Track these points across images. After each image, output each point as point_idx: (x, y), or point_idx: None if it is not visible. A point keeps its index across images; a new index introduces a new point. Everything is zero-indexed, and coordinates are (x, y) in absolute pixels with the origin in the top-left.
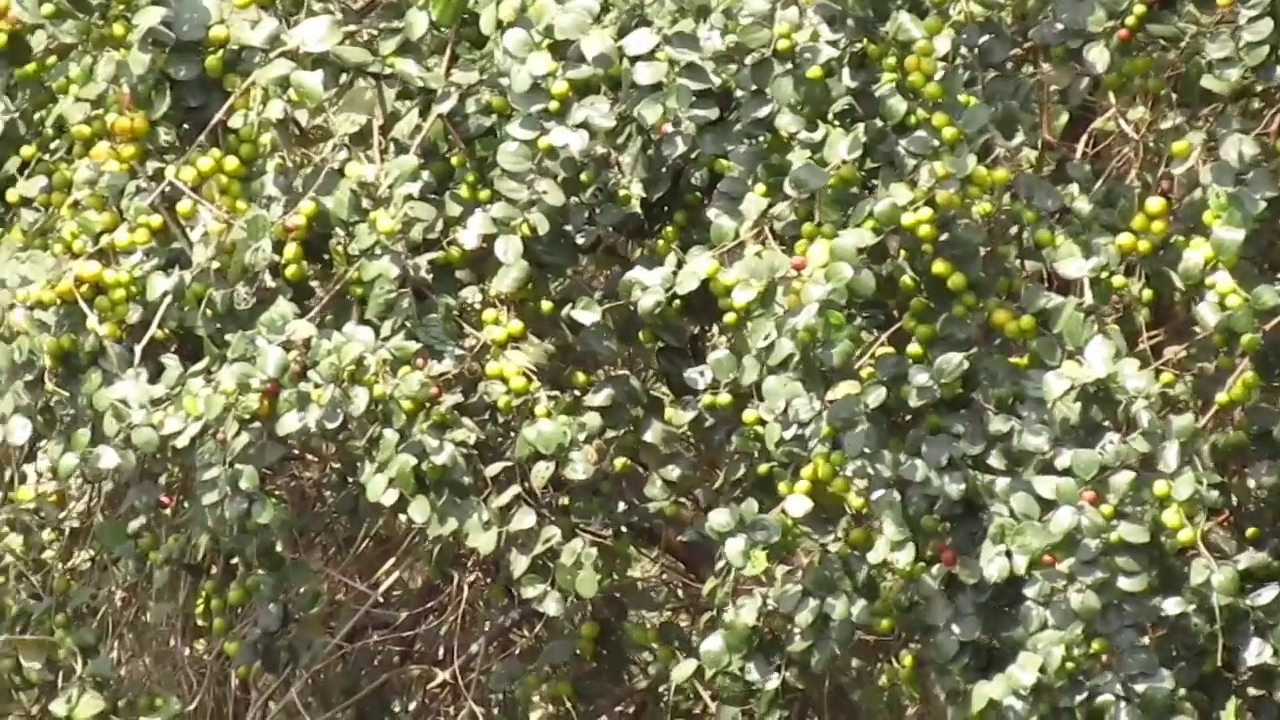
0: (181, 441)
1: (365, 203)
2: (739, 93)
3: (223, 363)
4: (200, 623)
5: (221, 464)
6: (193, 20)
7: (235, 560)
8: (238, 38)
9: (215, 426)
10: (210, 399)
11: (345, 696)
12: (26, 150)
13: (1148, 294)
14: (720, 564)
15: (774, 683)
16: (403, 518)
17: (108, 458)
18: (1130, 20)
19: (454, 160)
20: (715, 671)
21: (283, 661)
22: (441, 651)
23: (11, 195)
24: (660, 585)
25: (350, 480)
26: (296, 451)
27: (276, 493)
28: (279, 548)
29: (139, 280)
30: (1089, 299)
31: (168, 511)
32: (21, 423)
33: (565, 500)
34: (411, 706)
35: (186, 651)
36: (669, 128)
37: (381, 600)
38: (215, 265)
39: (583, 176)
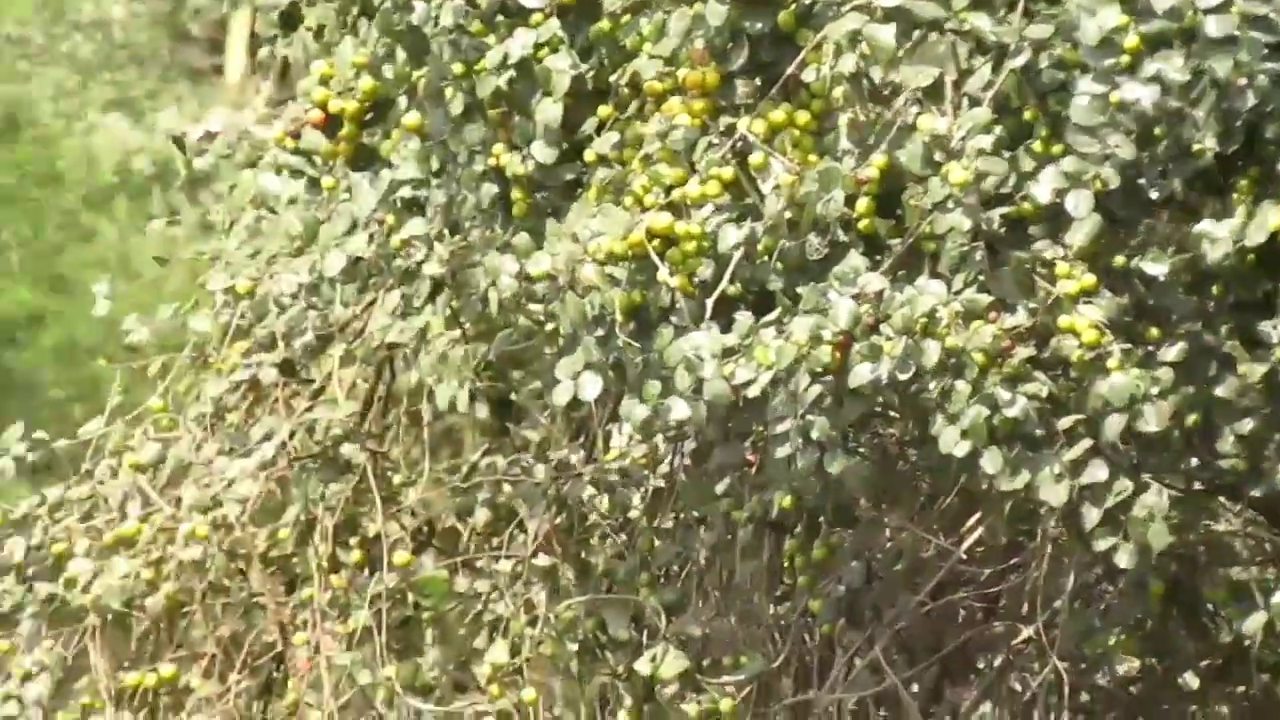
0: (753, 391)
1: (938, 156)
2: None
3: (794, 314)
4: (785, 580)
5: (793, 416)
6: None
7: (819, 518)
8: None
9: (786, 377)
10: (782, 348)
11: (929, 653)
12: (603, 110)
13: None
14: None
15: None
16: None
17: (678, 408)
18: None
19: (1027, 115)
20: None
21: (867, 618)
22: (1025, 607)
23: (589, 155)
24: (1246, 539)
25: (926, 435)
26: (879, 409)
27: (860, 450)
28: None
29: (710, 234)
30: None
31: (752, 470)
32: (592, 379)
33: (1137, 454)
34: (996, 663)
35: (771, 609)
36: (1242, 81)
37: (965, 557)
38: (787, 217)
39: (1155, 131)
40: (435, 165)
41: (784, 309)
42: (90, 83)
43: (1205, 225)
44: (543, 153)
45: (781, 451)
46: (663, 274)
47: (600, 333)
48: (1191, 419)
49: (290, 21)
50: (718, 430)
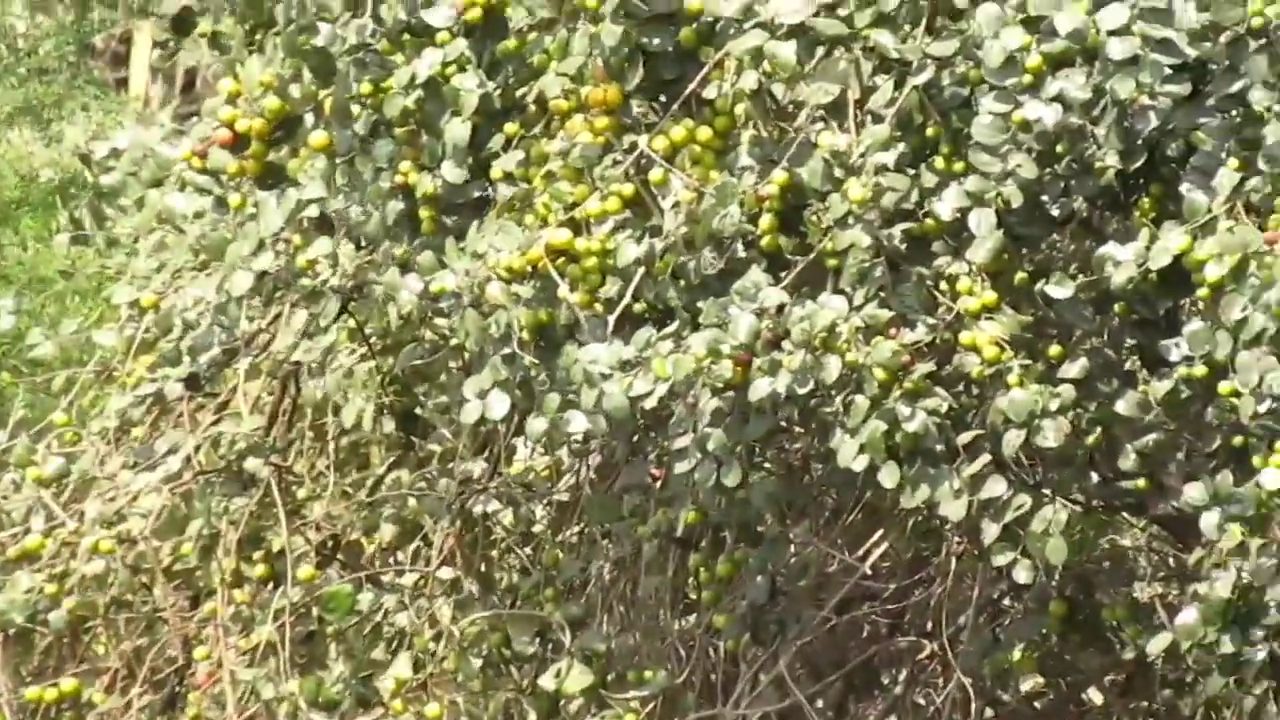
0: (650, 403)
1: (839, 172)
2: (1212, 66)
3: (694, 328)
4: (689, 596)
5: (692, 430)
6: None
7: (723, 533)
8: (712, 9)
9: (685, 390)
10: (679, 361)
11: (834, 669)
12: (510, 127)
13: None
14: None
15: (1261, 654)
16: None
17: (577, 421)
18: None
19: (930, 131)
20: (1190, 645)
21: (771, 634)
22: (930, 623)
23: (495, 172)
24: (1147, 554)
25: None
26: (784, 425)
27: (765, 465)
28: (766, 521)
29: (610, 250)
30: None
31: (657, 485)
32: (500, 397)
33: (1038, 470)
34: (901, 678)
35: (675, 625)
36: (1144, 100)
37: (869, 572)
38: (683, 232)
39: (1057, 149)
40: (341, 182)
41: (682, 323)
42: None
43: (1109, 248)
44: (451, 172)
45: (682, 467)
46: (563, 290)
47: (506, 350)
48: (1093, 436)
49: (183, 27)
50: (622, 447)
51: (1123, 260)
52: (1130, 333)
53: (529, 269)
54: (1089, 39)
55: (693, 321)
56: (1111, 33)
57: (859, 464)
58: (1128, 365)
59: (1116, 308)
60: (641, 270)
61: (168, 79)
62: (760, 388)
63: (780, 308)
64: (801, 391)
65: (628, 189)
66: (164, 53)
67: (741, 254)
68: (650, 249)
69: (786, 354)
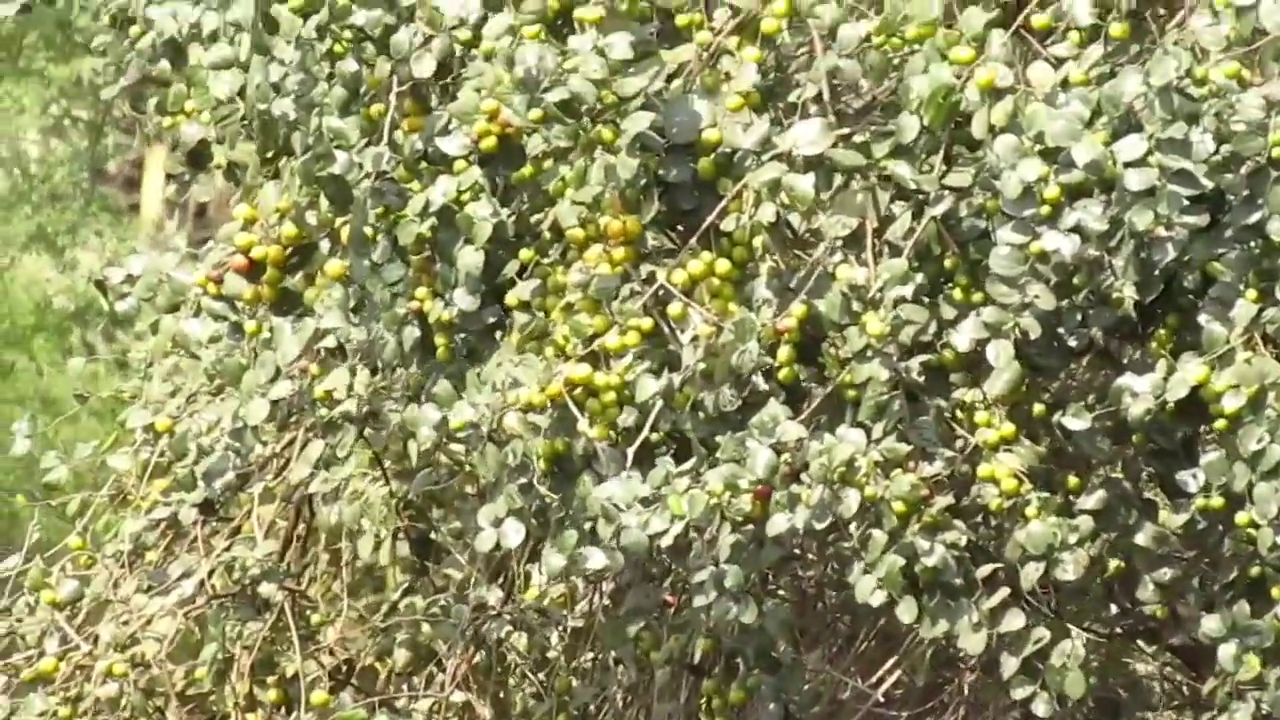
0: (665, 541)
1: (856, 305)
2: (1230, 197)
3: (711, 461)
4: None
5: (710, 565)
6: (683, 124)
7: (736, 659)
8: (730, 140)
9: (701, 525)
10: (695, 498)
11: None
12: (525, 253)
13: None
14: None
15: None
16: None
17: (595, 558)
18: None
19: (947, 262)
20: None
21: None
22: None
23: (510, 299)
24: (1163, 683)
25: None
26: (798, 551)
27: (779, 591)
28: (780, 648)
29: (629, 383)
30: None
31: (671, 611)
32: (515, 526)
33: (1056, 601)
34: None
35: None
36: (1162, 231)
37: (883, 700)
38: (703, 367)
39: (1075, 280)
40: (354, 304)
41: (700, 458)
42: (9, 219)
43: (1127, 379)
44: (464, 300)
45: (700, 601)
46: (582, 425)
47: (523, 480)
48: (1111, 566)
49: (199, 161)
50: (631, 572)
51: (1140, 391)
52: (1148, 463)
53: (548, 403)
54: (1106, 170)
55: (710, 454)
56: (1129, 164)
57: (877, 599)
58: (1145, 495)
59: (1134, 438)
60: (660, 403)
61: (180, 204)
62: (778, 523)
63: (799, 442)
64: (820, 526)
65: (646, 323)
66: (179, 186)
67: (760, 386)
68: (669, 383)
69: (805, 488)
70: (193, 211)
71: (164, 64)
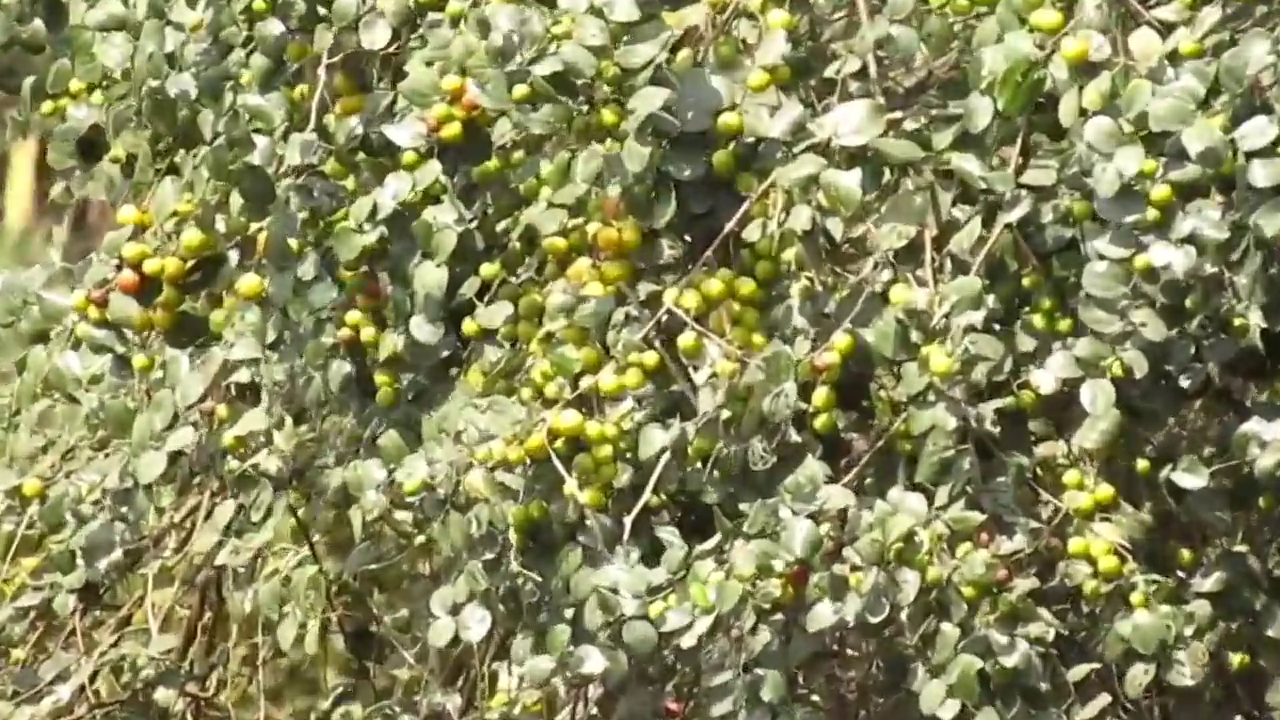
0: (688, 641)
1: (915, 335)
2: None
3: (737, 539)
4: None
5: (736, 666)
6: (698, 105)
7: None
8: (753, 127)
9: (729, 620)
10: (724, 586)
11: None
12: (487, 269)
13: None
14: None
15: None
16: None
17: (593, 661)
18: None
19: (1026, 281)
20: None
21: None
22: None
23: (469, 325)
24: None
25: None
26: (836, 646)
27: (813, 697)
28: None
29: (629, 434)
30: None
31: None
32: (479, 614)
33: (1165, 709)
34: None
35: None
36: None
37: None
38: (725, 414)
39: (1188, 303)
40: (272, 336)
41: (725, 532)
42: None
43: (1252, 426)
44: (424, 330)
45: (721, 709)
46: (570, 486)
47: (489, 555)
48: (1234, 663)
49: (92, 151)
50: (630, 673)
51: (1270, 440)
52: (1278, 532)
53: (526, 459)
54: (1225, 163)
55: (734, 525)
56: (1254, 154)
57: (948, 711)
58: (1276, 573)
59: (1261, 500)
60: (666, 458)
61: (56, 207)
62: (823, 615)
63: (844, 511)
64: (875, 620)
65: (650, 358)
66: (62, 184)
67: (795, 439)
68: (681, 435)
69: (852, 569)
70: (70, 219)
71: (38, 25)
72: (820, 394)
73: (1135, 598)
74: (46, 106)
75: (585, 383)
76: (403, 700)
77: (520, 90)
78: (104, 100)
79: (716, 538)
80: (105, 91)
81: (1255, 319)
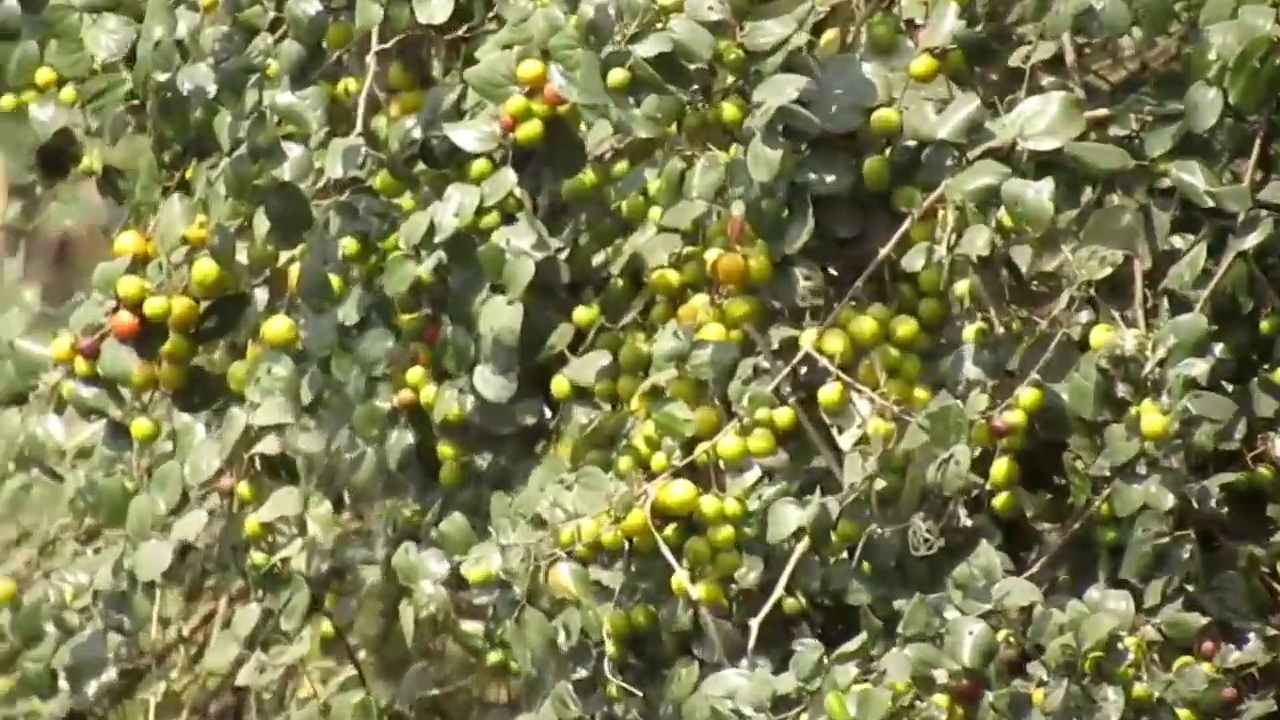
0: None
1: (1121, 390)
2: None
3: (887, 643)
4: None
5: None
6: (844, 98)
7: None
8: (915, 127)
9: None
10: (869, 696)
11: None
12: (583, 313)
13: None
14: None
15: None
16: None
17: None
18: None
19: (1264, 325)
20: None
21: None
22: None
23: (559, 385)
24: None
25: None
26: None
27: None
28: None
29: (755, 513)
30: None
31: None
32: None
33: None
34: None
35: None
36: None
37: None
38: (878, 487)
39: None
40: (308, 396)
41: (872, 633)
42: None
43: None
44: (492, 384)
45: None
46: (679, 577)
47: (581, 673)
48: None
49: (57, 163)
50: None
51: None
52: None
53: (625, 545)
54: None
55: (885, 629)
56: None
57: None
58: None
59: None
60: (803, 546)
61: (28, 232)
62: None
63: (1027, 610)
64: None
65: (783, 415)
66: (26, 205)
67: (966, 522)
68: (821, 514)
69: (1036, 684)
70: (53, 253)
71: (10, 4)
72: (1000, 465)
73: None
74: (4, 102)
75: (700, 448)
76: None
77: (618, 76)
78: (76, 98)
79: (861, 636)
80: (80, 87)
81: None
